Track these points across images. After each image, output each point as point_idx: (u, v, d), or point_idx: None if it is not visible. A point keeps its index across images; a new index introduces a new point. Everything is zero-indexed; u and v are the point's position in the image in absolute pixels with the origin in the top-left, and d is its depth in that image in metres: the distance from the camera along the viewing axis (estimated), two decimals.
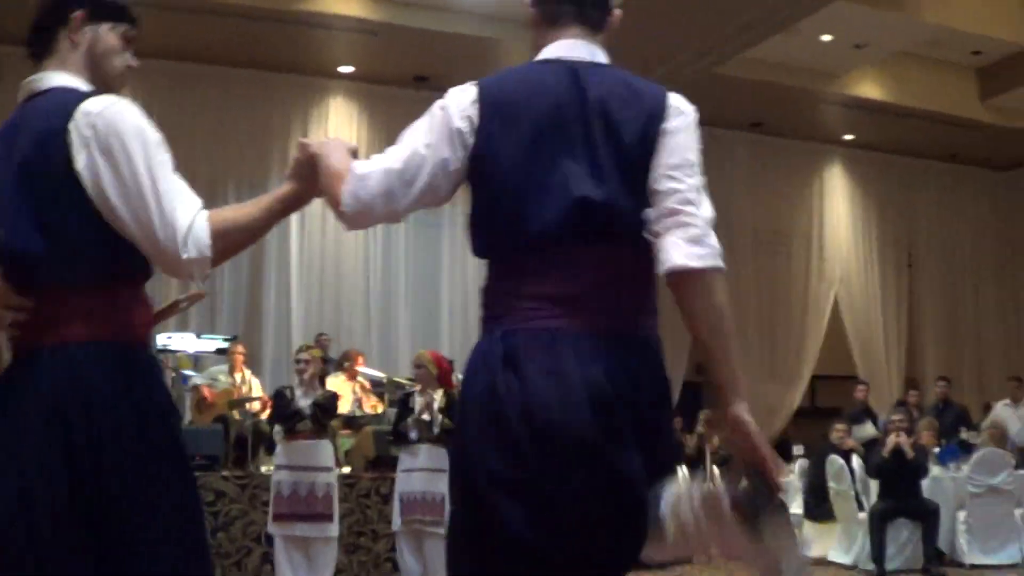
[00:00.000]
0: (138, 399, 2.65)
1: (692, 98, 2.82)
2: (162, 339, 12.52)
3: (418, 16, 13.72)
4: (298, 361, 9.03)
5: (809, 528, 12.05)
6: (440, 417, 8.66)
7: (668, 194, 2.67)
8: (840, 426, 12.11)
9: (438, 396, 8.83)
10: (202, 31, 13.68)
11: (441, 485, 8.24)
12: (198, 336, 13.63)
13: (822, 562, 11.64)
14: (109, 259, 2.67)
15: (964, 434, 13.09)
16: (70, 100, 2.68)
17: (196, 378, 12.29)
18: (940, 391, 14.68)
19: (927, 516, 10.82)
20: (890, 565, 10.73)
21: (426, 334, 15.50)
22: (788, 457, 14.08)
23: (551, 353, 2.62)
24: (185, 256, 2.58)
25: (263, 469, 10.40)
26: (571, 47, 2.87)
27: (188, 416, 11.77)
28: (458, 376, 8.98)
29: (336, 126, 15.44)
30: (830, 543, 11.78)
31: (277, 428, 9.31)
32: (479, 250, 2.84)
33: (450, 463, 2.92)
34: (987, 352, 19.56)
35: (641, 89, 2.82)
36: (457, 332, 15.72)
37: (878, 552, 10.70)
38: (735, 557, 2.74)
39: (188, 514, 2.79)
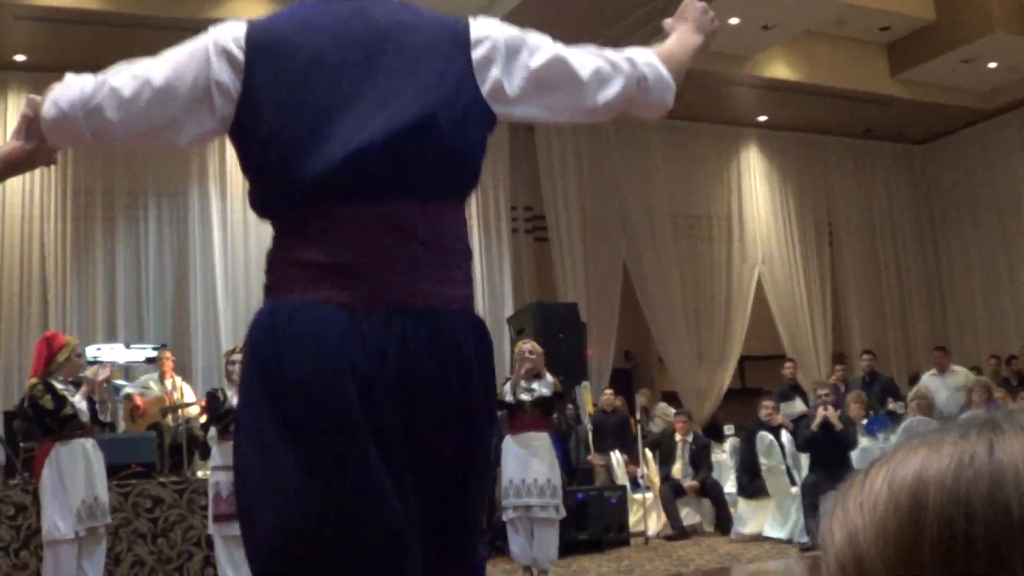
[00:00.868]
0: None
1: None
2: (91, 351, 12.45)
3: None
4: (231, 362, 9.01)
5: (743, 505, 12.21)
6: None
7: (553, 87, 2.54)
8: (768, 403, 12.28)
9: None
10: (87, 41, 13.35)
11: None
12: (127, 346, 13.57)
13: (758, 538, 11.81)
14: None
15: (891, 405, 13.30)
16: None
17: (128, 387, 12.25)
18: (866, 364, 14.90)
19: None
20: None
21: None
22: (719, 437, 14.28)
23: (312, 331, 2.36)
24: None
25: (199, 474, 10.43)
26: None
27: (122, 426, 11.72)
28: None
29: None
30: (764, 519, 11.93)
31: (212, 431, 9.33)
32: (254, 206, 2.57)
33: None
34: (912, 324, 19.93)
35: (437, 17, 2.61)
36: None
37: (811, 524, 10.85)
38: None
39: None
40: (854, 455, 11.26)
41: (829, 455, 10.99)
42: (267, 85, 2.44)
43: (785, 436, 11.94)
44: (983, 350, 17.87)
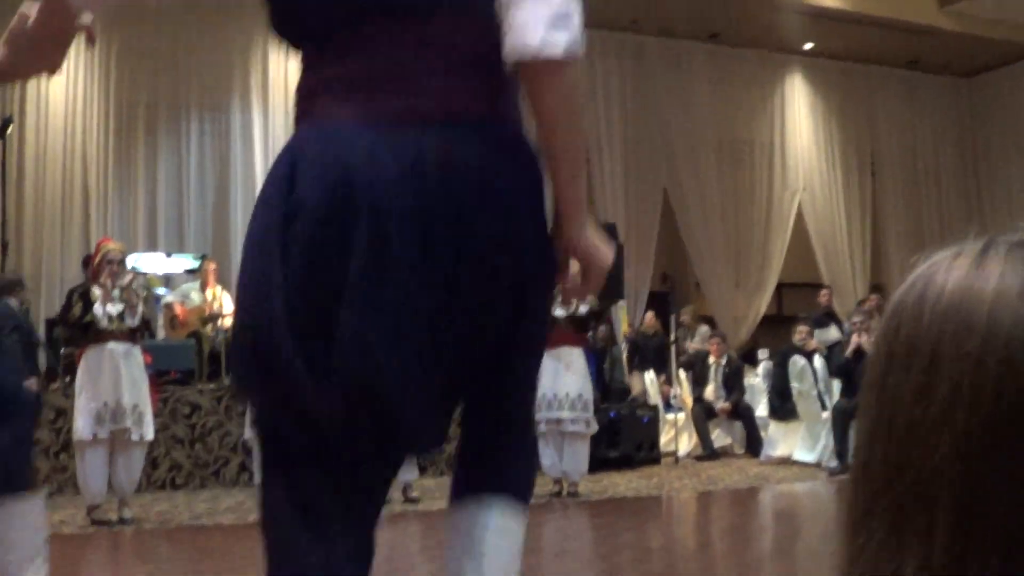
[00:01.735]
0: None
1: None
2: (132, 260, 12.58)
3: None
4: None
5: (774, 428, 12.30)
6: None
7: None
8: (802, 327, 12.31)
9: None
10: None
11: None
12: (167, 255, 13.72)
13: (787, 461, 11.90)
14: None
15: None
16: None
17: (168, 296, 12.41)
18: None
19: None
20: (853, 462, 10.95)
21: None
22: (754, 361, 14.33)
23: (330, 149, 2.08)
24: None
25: None
26: None
27: (161, 333, 11.90)
28: None
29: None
30: (794, 442, 12.02)
31: None
32: (274, 27, 2.28)
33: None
34: None
35: None
36: None
37: (841, 448, 10.94)
38: None
39: None
40: None
41: (861, 381, 11.00)
42: None
43: (818, 361, 11.98)
44: None
